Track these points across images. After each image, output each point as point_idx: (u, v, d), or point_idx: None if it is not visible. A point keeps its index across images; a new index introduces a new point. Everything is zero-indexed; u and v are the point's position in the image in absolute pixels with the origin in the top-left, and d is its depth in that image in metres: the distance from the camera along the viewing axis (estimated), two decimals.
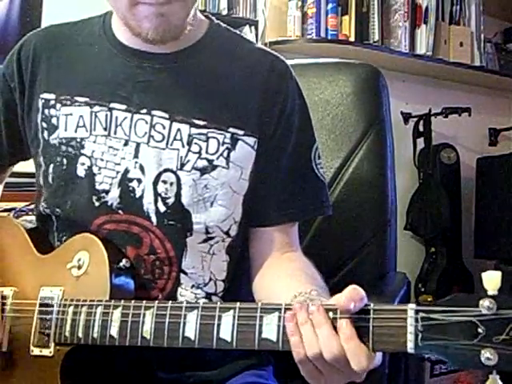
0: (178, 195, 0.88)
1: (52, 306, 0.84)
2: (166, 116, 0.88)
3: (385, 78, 1.33)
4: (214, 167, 0.88)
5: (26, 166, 1.06)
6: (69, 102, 0.92)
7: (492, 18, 3.28)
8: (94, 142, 0.90)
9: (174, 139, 0.88)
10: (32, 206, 1.29)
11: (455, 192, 3.00)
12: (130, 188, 0.88)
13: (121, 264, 0.85)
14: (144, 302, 0.77)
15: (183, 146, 0.88)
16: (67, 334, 0.81)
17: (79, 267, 0.85)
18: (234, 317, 0.70)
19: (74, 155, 0.90)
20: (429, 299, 2.77)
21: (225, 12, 2.34)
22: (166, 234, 0.88)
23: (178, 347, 0.73)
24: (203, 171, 0.88)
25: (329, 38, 2.56)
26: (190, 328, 0.72)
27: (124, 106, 0.89)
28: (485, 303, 0.58)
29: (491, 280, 0.59)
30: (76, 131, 0.91)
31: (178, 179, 0.88)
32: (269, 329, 0.68)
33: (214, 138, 0.88)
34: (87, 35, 0.96)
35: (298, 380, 0.80)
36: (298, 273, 0.86)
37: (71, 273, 0.86)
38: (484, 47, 3.09)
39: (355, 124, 1.27)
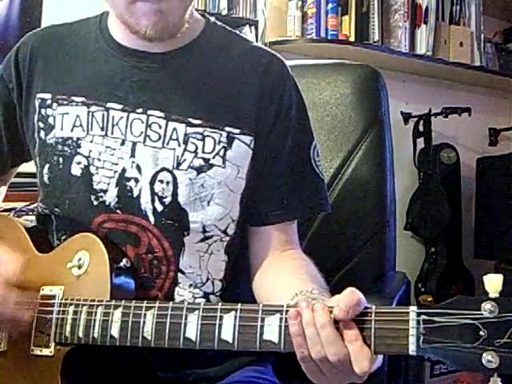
0: (174, 194, 0.88)
1: (52, 305, 0.84)
2: (162, 115, 0.89)
3: (384, 78, 1.33)
4: (211, 166, 0.88)
5: (26, 165, 1.06)
6: (65, 102, 0.92)
7: (492, 18, 3.28)
8: (91, 141, 0.90)
9: (170, 138, 0.88)
10: (32, 206, 1.30)
11: (455, 192, 3.00)
12: (128, 187, 0.88)
13: (121, 264, 0.85)
14: (145, 302, 0.77)
15: (179, 145, 0.88)
16: (67, 333, 0.81)
17: (79, 267, 0.85)
18: (235, 318, 0.70)
19: (70, 154, 0.90)
20: (429, 299, 2.77)
21: (225, 12, 2.34)
22: (163, 233, 0.88)
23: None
24: (200, 170, 0.88)
25: (329, 38, 2.56)
26: (192, 329, 0.72)
27: (120, 106, 0.90)
28: (487, 306, 0.59)
29: (492, 283, 0.60)
30: (72, 130, 0.91)
31: (175, 178, 0.88)
32: (270, 330, 0.68)
33: (210, 136, 0.88)
34: (84, 35, 0.97)
35: (297, 378, 0.80)
36: (299, 271, 0.86)
37: (71, 272, 0.86)
38: (484, 47, 3.09)
39: (354, 124, 1.28)
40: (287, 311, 0.68)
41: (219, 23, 0.99)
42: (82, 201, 0.90)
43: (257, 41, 2.39)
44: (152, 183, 0.88)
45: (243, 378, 0.91)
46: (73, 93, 0.92)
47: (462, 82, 3.21)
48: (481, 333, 0.59)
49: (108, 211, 0.89)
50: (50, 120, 0.93)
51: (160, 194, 0.88)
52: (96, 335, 0.79)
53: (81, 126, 0.91)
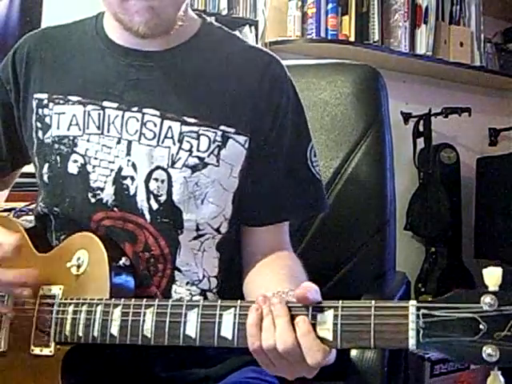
0: (169, 193, 0.88)
1: (52, 305, 0.84)
2: (157, 114, 0.89)
3: (385, 78, 1.33)
4: (205, 165, 0.88)
5: (26, 165, 1.06)
6: (62, 101, 0.92)
7: (492, 18, 3.28)
8: (88, 140, 0.90)
9: (166, 137, 0.88)
10: (32, 206, 1.30)
11: (455, 192, 3.00)
12: (124, 186, 0.89)
13: (120, 262, 0.85)
14: (144, 300, 0.77)
15: (174, 144, 0.88)
16: (67, 332, 0.81)
17: (79, 266, 0.85)
18: (234, 315, 0.70)
19: (67, 153, 0.91)
20: (429, 299, 2.76)
21: (225, 12, 2.34)
22: (159, 232, 0.89)
23: (178, 345, 0.73)
24: (194, 169, 0.88)
25: (329, 38, 2.56)
26: (191, 326, 0.72)
27: (116, 104, 0.90)
28: (486, 299, 0.58)
29: (492, 276, 0.59)
30: (69, 129, 0.91)
31: (170, 177, 0.88)
32: None
33: (205, 135, 0.89)
34: (80, 36, 0.97)
35: (297, 378, 0.80)
36: (282, 271, 0.87)
37: (71, 271, 0.86)
38: (484, 47, 3.09)
39: (354, 124, 1.28)
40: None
41: (216, 24, 1.00)
42: (80, 199, 0.90)
43: (257, 41, 2.39)
44: (147, 181, 0.88)
45: (243, 378, 0.91)
46: (69, 92, 0.92)
47: (462, 82, 3.21)
48: (480, 326, 0.58)
49: (106, 209, 0.89)
50: (47, 119, 0.93)
51: (155, 192, 0.88)
52: (96, 334, 0.79)
53: (77, 124, 0.91)
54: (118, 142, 0.89)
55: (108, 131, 0.90)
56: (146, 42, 0.90)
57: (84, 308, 0.81)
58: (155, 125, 0.89)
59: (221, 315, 0.71)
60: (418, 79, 3.08)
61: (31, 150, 0.96)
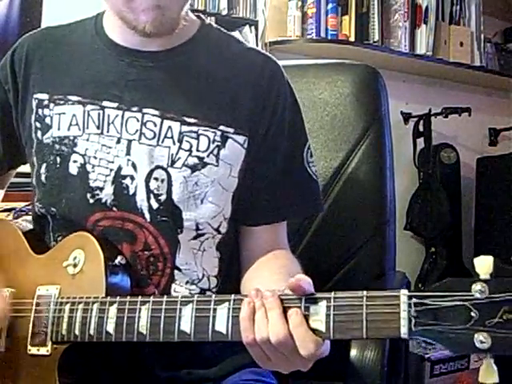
0: (169, 192, 0.88)
1: (49, 304, 0.84)
2: (157, 114, 0.89)
3: (385, 78, 1.33)
4: (205, 164, 0.89)
5: (26, 165, 1.06)
6: (62, 102, 0.92)
7: (492, 17, 3.28)
8: (87, 140, 0.90)
9: (165, 136, 0.89)
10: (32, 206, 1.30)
11: (455, 192, 3.00)
12: (124, 185, 0.89)
13: (116, 261, 0.85)
14: (139, 297, 0.78)
15: (174, 144, 0.89)
16: (64, 332, 0.81)
17: (75, 265, 0.86)
18: (228, 309, 0.71)
19: (67, 153, 0.91)
20: None
21: (225, 12, 2.34)
22: (159, 231, 0.89)
23: (175, 343, 0.74)
24: (194, 168, 0.89)
25: (329, 38, 2.56)
26: (186, 322, 0.73)
27: (115, 104, 0.90)
28: (477, 287, 0.59)
29: (483, 264, 0.60)
30: (69, 129, 0.91)
31: (169, 176, 0.88)
32: None
33: (205, 135, 0.89)
34: (80, 36, 0.97)
35: (296, 378, 0.80)
36: (279, 270, 0.87)
37: (67, 271, 0.86)
38: (484, 47, 3.10)
39: (354, 124, 1.28)
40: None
41: (215, 25, 1.00)
42: (78, 199, 0.90)
43: (257, 41, 2.39)
44: (147, 181, 0.88)
45: (242, 381, 0.91)
46: (69, 92, 0.92)
47: (462, 82, 3.21)
48: (472, 314, 0.58)
49: (104, 209, 0.89)
50: (47, 120, 0.93)
51: (155, 191, 0.88)
52: (92, 332, 0.79)
53: (77, 124, 0.91)
54: (118, 142, 0.89)
55: (108, 131, 0.90)
56: (147, 42, 0.90)
57: (80, 307, 0.81)
58: (155, 125, 0.89)
59: (215, 309, 0.71)
60: (418, 79, 3.08)
61: (30, 149, 0.96)
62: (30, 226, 1.02)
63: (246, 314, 0.68)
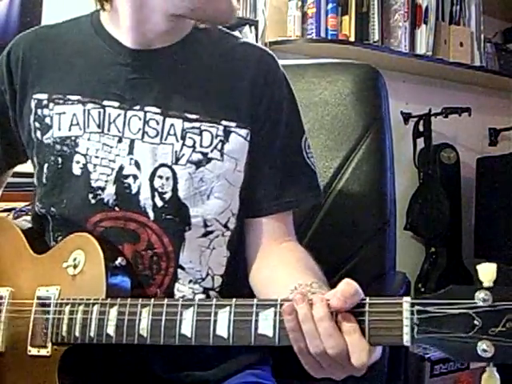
0: (174, 189, 0.88)
1: (49, 305, 0.84)
2: (159, 111, 0.89)
3: (385, 78, 1.33)
4: (209, 160, 0.89)
5: (26, 165, 1.06)
6: (61, 101, 0.92)
7: (492, 17, 3.28)
8: (88, 139, 0.90)
9: (168, 134, 0.89)
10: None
11: (455, 192, 3.00)
12: (126, 184, 0.89)
13: (116, 262, 0.85)
14: (140, 299, 0.77)
15: (177, 141, 0.89)
16: (64, 333, 0.81)
17: (75, 266, 0.85)
18: (230, 313, 0.70)
19: (70, 154, 0.91)
20: None
21: None
22: (163, 229, 0.89)
23: (175, 346, 0.73)
24: (198, 164, 0.89)
25: (329, 37, 2.56)
26: (187, 325, 0.72)
27: (117, 103, 0.90)
28: (480, 295, 0.58)
29: (487, 272, 0.59)
30: (70, 130, 0.91)
31: (174, 173, 0.88)
32: (265, 324, 0.68)
33: (208, 131, 0.89)
34: (76, 34, 0.97)
35: (296, 380, 0.80)
36: (298, 263, 0.87)
37: (67, 272, 0.86)
38: (484, 47, 3.09)
39: (354, 124, 1.28)
40: (281, 305, 0.67)
41: None
42: (79, 199, 0.90)
43: (257, 41, 2.39)
44: (151, 179, 0.88)
45: (241, 382, 0.91)
46: (68, 91, 0.92)
47: (462, 82, 3.21)
48: (475, 322, 0.58)
49: (106, 209, 0.89)
50: (47, 120, 0.93)
51: (160, 189, 0.88)
52: (92, 334, 0.79)
53: (78, 124, 0.91)
54: (120, 141, 0.89)
55: (109, 130, 0.90)
56: (146, 40, 0.90)
57: (80, 308, 0.81)
58: (157, 123, 0.89)
59: (216, 313, 0.71)
60: (418, 79, 3.08)
61: (30, 150, 0.96)
62: (30, 225, 1.02)
63: (293, 324, 0.65)
